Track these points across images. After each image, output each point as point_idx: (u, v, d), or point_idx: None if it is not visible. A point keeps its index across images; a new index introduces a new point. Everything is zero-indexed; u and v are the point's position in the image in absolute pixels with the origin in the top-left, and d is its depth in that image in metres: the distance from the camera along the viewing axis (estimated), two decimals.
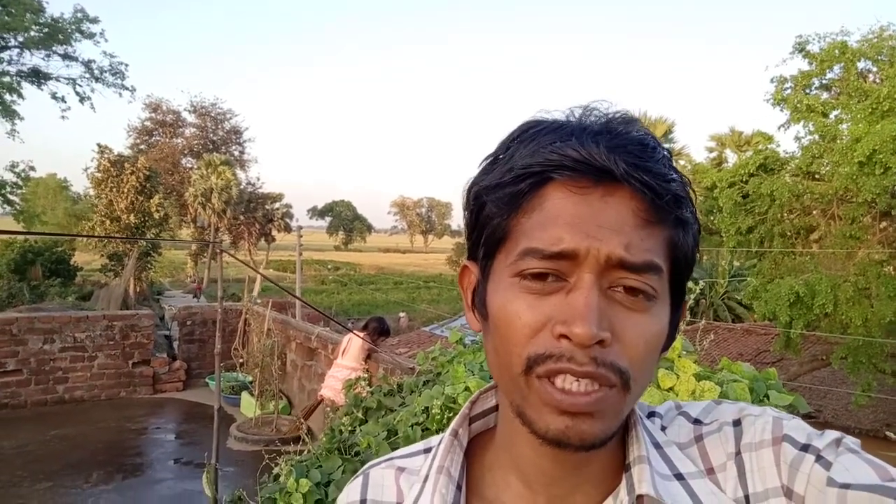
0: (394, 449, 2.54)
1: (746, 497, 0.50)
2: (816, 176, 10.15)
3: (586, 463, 0.53)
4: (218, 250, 4.72)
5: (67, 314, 8.96)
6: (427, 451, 0.61)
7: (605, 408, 0.47)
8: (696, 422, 0.56)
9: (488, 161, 0.53)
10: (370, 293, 34.16)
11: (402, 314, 25.89)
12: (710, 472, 0.53)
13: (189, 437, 7.64)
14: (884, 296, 8.52)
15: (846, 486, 0.45)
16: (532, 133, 0.51)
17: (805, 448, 0.49)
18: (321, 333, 7.24)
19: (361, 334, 5.74)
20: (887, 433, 9.58)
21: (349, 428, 3.28)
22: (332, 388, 5.43)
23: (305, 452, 3.47)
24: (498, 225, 0.51)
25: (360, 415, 3.34)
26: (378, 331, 5.91)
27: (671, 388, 2.01)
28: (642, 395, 0.51)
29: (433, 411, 2.45)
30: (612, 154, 0.47)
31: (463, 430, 0.60)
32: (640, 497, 0.50)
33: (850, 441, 0.49)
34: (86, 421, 7.86)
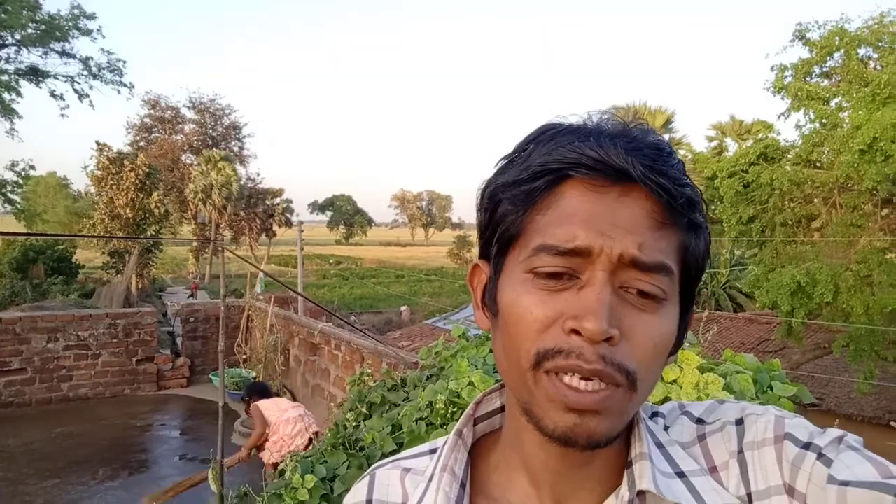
0: (398, 444, 2.53)
1: (749, 495, 0.50)
2: (817, 164, 10.12)
3: (591, 460, 0.53)
4: (220, 248, 4.71)
5: (70, 313, 9.00)
6: (432, 451, 0.62)
7: (612, 406, 0.47)
8: (699, 421, 0.56)
9: (505, 161, 0.54)
10: (372, 287, 34.19)
11: (403, 308, 25.91)
12: (713, 470, 0.53)
13: (193, 433, 7.68)
14: (886, 284, 8.51)
15: (846, 484, 0.45)
16: (550, 134, 0.52)
17: (807, 446, 0.49)
18: (324, 329, 7.26)
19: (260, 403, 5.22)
20: (891, 422, 9.60)
21: (353, 423, 3.28)
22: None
23: (310, 448, 3.48)
24: (513, 222, 0.51)
25: (364, 410, 3.35)
26: (253, 393, 5.39)
27: (675, 381, 2.01)
28: (649, 395, 0.51)
29: (437, 406, 2.45)
30: (629, 155, 0.47)
31: (467, 430, 0.60)
32: (641, 494, 0.51)
33: (852, 439, 0.50)
34: (91, 418, 7.90)
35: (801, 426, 0.51)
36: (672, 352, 0.52)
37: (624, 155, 0.47)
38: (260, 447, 5.15)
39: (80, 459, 6.54)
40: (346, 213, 77.80)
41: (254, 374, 8.19)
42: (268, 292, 9.49)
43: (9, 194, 20.72)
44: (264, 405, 5.23)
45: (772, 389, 2.01)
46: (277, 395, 5.82)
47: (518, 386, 0.51)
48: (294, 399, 8.14)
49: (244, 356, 7.99)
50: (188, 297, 22.25)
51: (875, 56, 9.86)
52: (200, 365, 9.52)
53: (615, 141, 0.49)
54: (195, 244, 33.30)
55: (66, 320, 8.57)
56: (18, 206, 22.12)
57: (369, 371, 4.97)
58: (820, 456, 0.48)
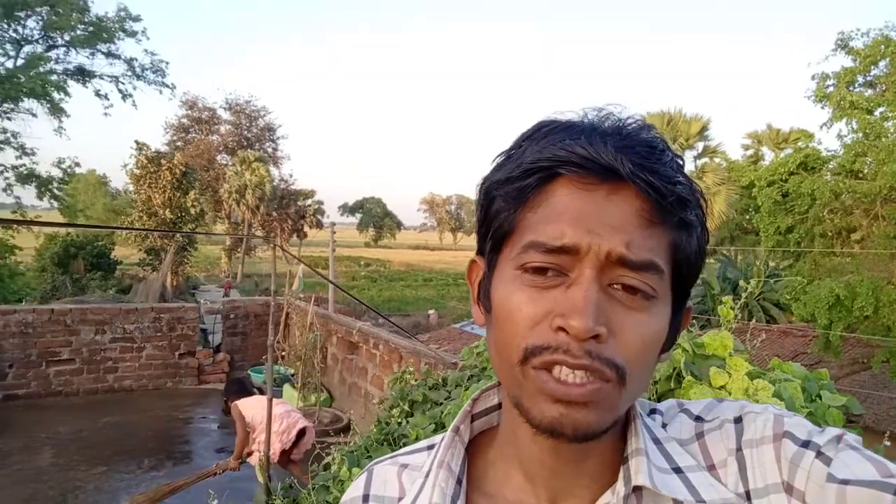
0: None
1: (747, 493, 0.50)
2: (859, 175, 9.96)
3: (586, 456, 0.54)
4: (272, 245, 4.88)
5: (117, 306, 9.30)
6: (430, 448, 0.62)
7: (600, 399, 0.47)
8: (698, 419, 0.56)
9: (501, 158, 0.55)
10: (400, 289, 34.44)
11: (431, 311, 26.03)
12: (712, 468, 0.53)
13: (232, 427, 7.82)
14: None
15: (845, 482, 0.45)
16: (544, 132, 0.52)
17: (805, 444, 0.49)
18: (363, 328, 7.40)
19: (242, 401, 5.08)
20: None
21: (397, 420, 3.40)
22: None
23: (352, 443, 3.60)
24: (505, 219, 0.52)
25: (406, 407, 3.46)
26: (230, 392, 5.30)
27: (723, 387, 2.06)
28: (641, 392, 0.52)
29: None
30: (619, 153, 0.48)
31: (464, 427, 0.61)
32: (637, 489, 0.51)
33: (851, 438, 0.50)
34: (135, 409, 8.16)
35: (799, 424, 0.51)
36: (664, 349, 0.52)
37: (613, 153, 0.47)
38: (249, 452, 5.02)
39: (127, 448, 6.77)
40: (375, 216, 78.35)
41: (291, 371, 8.37)
42: (306, 292, 9.70)
43: (55, 191, 21.34)
44: (246, 405, 5.02)
45: (820, 398, 2.05)
46: (259, 390, 5.64)
47: (509, 381, 0.52)
48: (331, 397, 8.32)
49: (283, 353, 8.19)
50: (223, 296, 22.68)
51: None
52: (240, 361, 9.75)
53: (606, 139, 0.49)
54: (228, 240, 33.90)
55: (113, 313, 8.87)
56: (64, 202, 22.78)
57: (410, 370, 5.10)
58: (819, 454, 0.48)
